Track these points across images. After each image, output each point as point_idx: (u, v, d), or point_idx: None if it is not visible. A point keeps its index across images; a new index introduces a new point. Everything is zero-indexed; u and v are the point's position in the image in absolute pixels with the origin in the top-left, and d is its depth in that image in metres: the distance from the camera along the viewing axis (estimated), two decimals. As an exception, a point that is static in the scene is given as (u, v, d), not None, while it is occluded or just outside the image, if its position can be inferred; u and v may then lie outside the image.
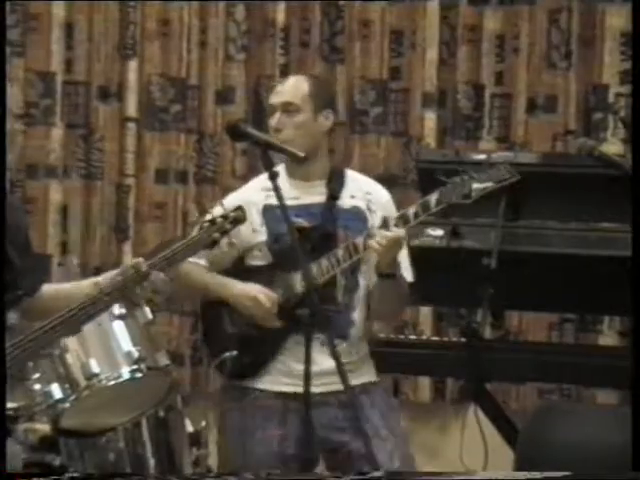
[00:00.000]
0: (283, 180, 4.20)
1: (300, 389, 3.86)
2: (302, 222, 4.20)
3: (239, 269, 4.36)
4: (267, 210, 4.26)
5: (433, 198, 4.17)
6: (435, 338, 5.56)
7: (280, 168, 4.29)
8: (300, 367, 3.86)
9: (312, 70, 5.83)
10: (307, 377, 3.81)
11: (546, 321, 5.70)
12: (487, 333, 5.17)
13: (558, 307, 5.40)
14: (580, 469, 4.02)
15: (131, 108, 6.05)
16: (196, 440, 5.19)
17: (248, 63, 5.98)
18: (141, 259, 3.94)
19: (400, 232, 4.14)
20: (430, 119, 5.87)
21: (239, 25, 5.96)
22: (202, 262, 4.37)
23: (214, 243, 3.97)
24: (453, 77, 5.87)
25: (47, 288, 4.14)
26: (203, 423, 5.21)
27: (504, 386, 5.55)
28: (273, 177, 3.91)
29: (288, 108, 4.31)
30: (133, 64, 6.02)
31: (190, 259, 4.33)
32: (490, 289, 4.81)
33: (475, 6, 5.82)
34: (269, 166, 3.98)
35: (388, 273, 4.23)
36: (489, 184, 4.20)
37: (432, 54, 5.84)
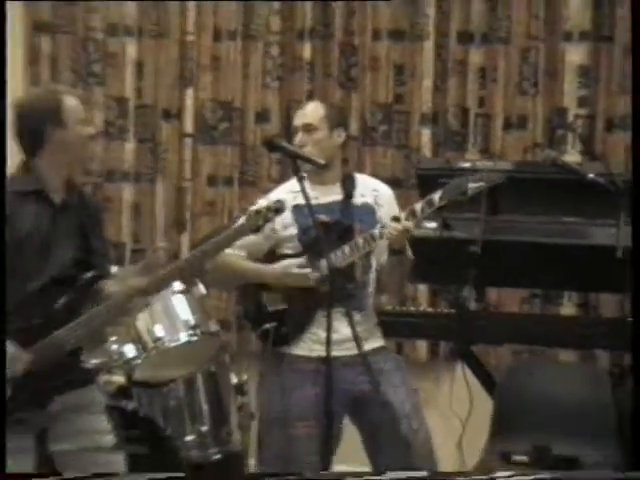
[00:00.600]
0: (306, 184, 4.19)
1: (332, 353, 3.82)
2: (324, 218, 4.17)
3: (271, 258, 4.32)
4: (296, 209, 4.24)
5: (436, 196, 4.16)
6: (430, 309, 5.54)
7: (308, 177, 4.29)
8: (325, 334, 3.84)
9: (332, 96, 5.82)
10: (328, 342, 3.77)
11: (519, 296, 5.67)
12: (472, 305, 5.16)
13: (528, 284, 5.39)
14: (544, 410, 4.00)
15: (188, 126, 6.03)
16: (240, 390, 5.19)
17: (281, 90, 5.94)
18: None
19: (409, 224, 4.14)
20: (426, 134, 5.82)
21: (274, 60, 5.93)
22: (242, 253, 4.36)
23: (258, 229, 3.94)
24: (444, 101, 5.82)
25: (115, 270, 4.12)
26: (245, 377, 5.21)
27: (485, 347, 5.49)
28: (301, 180, 3.91)
29: (308, 128, 4.32)
30: (190, 91, 6.00)
31: (230, 251, 4.33)
32: (474, 270, 4.80)
33: (462, 45, 5.77)
34: (297, 172, 3.98)
35: (399, 250, 4.22)
36: (482, 184, 4.20)
37: (428, 83, 5.80)
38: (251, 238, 4.30)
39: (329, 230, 4.14)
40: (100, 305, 3.91)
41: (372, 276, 4.38)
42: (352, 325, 3.84)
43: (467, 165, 5.07)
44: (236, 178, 6.01)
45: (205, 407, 5.20)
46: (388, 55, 5.84)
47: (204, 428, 5.17)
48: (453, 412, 5.08)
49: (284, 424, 4.30)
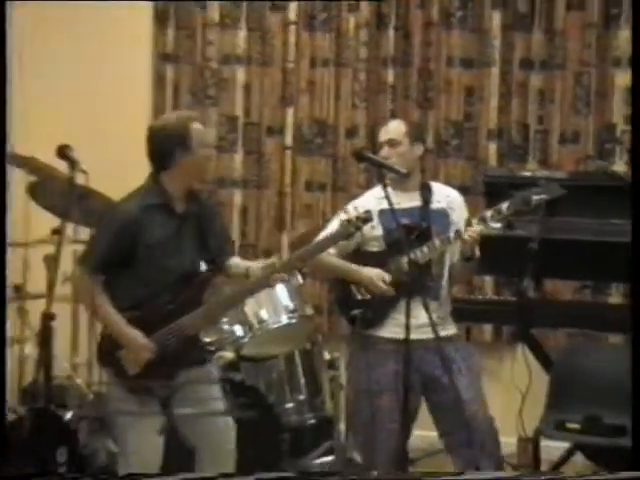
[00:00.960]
0: (390, 191, 4.22)
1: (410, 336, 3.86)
2: (406, 221, 4.17)
3: (358, 254, 4.35)
4: (381, 213, 4.25)
5: (504, 206, 4.16)
6: (495, 297, 5.57)
7: (391, 186, 4.31)
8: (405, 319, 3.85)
9: (411, 114, 5.82)
10: (407, 327, 3.81)
11: (572, 286, 5.64)
12: (531, 294, 5.09)
13: (580, 276, 5.37)
14: (594, 385, 3.99)
15: (288, 140, 6.05)
16: (331, 365, 5.22)
17: (367, 110, 5.95)
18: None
19: (481, 229, 4.16)
20: (492, 148, 5.82)
21: (361, 84, 5.94)
22: (332, 251, 4.37)
23: (350, 236, 4.00)
24: (508, 119, 5.81)
25: (234, 260, 4.17)
26: (336, 354, 5.26)
27: (543, 331, 5.46)
28: (385, 187, 3.96)
29: (392, 143, 4.32)
30: (290, 110, 6.02)
31: None
32: (533, 264, 4.80)
33: (524, 70, 5.77)
34: (382, 180, 4.02)
35: (469, 257, 4.25)
36: (544, 197, 4.19)
37: (494, 103, 5.80)
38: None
39: (409, 232, 4.14)
40: (218, 296, 4.04)
41: (446, 271, 4.38)
42: (429, 313, 3.87)
43: (528, 174, 5.08)
44: (329, 185, 6.02)
45: (302, 379, 5.26)
46: (460, 79, 5.84)
47: (301, 397, 5.22)
48: (514, 386, 5.09)
49: (369, 396, 4.32)
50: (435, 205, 4.36)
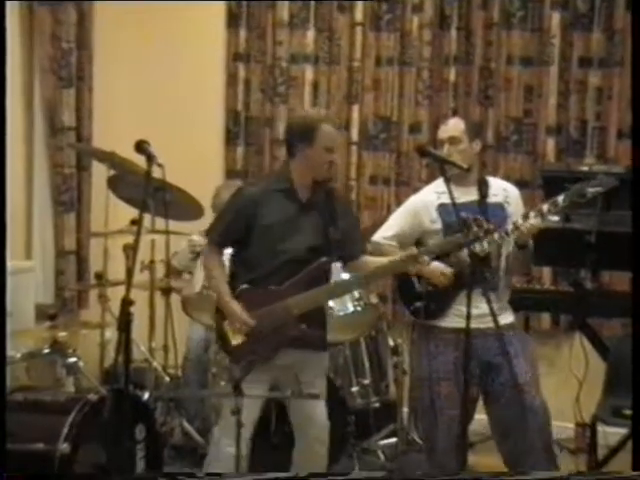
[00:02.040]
0: (452, 188, 4.24)
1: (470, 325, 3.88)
2: (465, 215, 4.16)
3: (419, 247, 4.30)
4: (441, 207, 4.27)
5: (560, 198, 4.14)
6: (552, 287, 5.52)
7: (441, 179, 4.32)
8: (466, 310, 3.85)
9: (472, 111, 5.84)
10: (468, 317, 3.80)
11: (627, 277, 5.57)
12: (587, 285, 5.07)
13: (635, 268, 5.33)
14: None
15: (354, 136, 6.07)
16: (395, 351, 5.27)
17: (430, 107, 5.95)
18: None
19: (538, 222, 4.15)
20: (551, 143, 5.80)
21: (424, 82, 5.94)
22: (393, 243, 4.42)
23: (469, 243, 3.95)
24: (567, 115, 5.79)
25: (363, 259, 4.24)
26: (400, 340, 5.28)
27: (599, 320, 5.44)
28: (448, 181, 3.92)
29: (452, 140, 4.32)
30: (356, 107, 6.04)
31: (385, 241, 4.41)
32: (590, 255, 4.78)
33: (582, 68, 5.74)
34: (444, 174, 4.01)
35: (523, 245, 4.25)
36: (599, 189, 4.17)
37: (552, 100, 5.78)
38: (403, 231, 4.39)
39: (468, 225, 4.14)
40: (329, 285, 4.13)
41: (503, 262, 4.37)
42: (489, 303, 3.86)
43: (585, 169, 5.04)
44: (392, 179, 6.03)
45: (367, 364, 5.30)
46: (519, 77, 5.83)
47: (366, 381, 5.26)
48: (572, 373, 5.07)
49: (430, 383, 4.33)
50: (492, 199, 4.35)
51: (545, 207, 4.17)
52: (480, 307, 3.94)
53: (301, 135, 4.05)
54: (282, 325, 4.04)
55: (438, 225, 4.32)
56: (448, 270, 4.21)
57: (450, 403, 4.25)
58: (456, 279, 4.20)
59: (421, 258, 4.03)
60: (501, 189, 4.43)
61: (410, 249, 4.09)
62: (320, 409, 4.19)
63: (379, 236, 4.46)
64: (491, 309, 3.81)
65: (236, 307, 4.05)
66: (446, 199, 3.96)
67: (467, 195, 4.30)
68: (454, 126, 4.38)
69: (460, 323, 4.06)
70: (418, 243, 4.36)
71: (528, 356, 4.35)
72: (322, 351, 4.24)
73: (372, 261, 4.19)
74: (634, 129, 4.08)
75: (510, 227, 4.20)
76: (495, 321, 3.84)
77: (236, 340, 4.09)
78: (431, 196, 4.34)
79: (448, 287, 4.23)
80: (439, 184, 4.13)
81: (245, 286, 4.09)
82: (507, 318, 4.37)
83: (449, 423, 4.26)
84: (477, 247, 4.17)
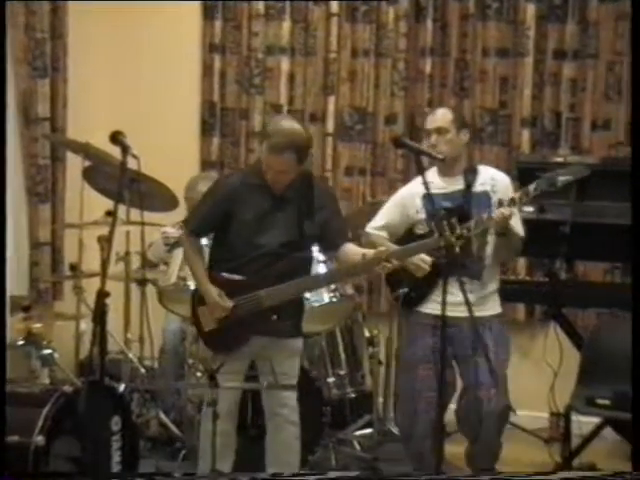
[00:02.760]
0: (435, 176, 4.24)
1: (447, 313, 3.87)
2: (448, 204, 4.21)
3: (410, 236, 4.35)
4: (424, 197, 4.26)
5: (531, 187, 4.15)
6: (527, 278, 5.53)
7: (433, 169, 4.32)
8: (446, 297, 3.85)
9: (447, 103, 5.83)
10: (443, 303, 3.80)
11: (602, 268, 5.63)
12: (562, 275, 5.12)
13: (610, 258, 5.34)
14: (623, 362, 3.97)
15: (330, 127, 6.03)
16: (371, 342, 5.27)
17: (406, 98, 5.93)
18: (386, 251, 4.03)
19: (508, 210, 4.14)
20: (525, 134, 5.80)
21: (400, 73, 5.92)
22: (383, 234, 4.43)
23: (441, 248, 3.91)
24: (541, 107, 5.79)
25: (347, 247, 4.21)
26: (375, 331, 5.29)
27: (573, 310, 5.45)
28: (422, 171, 3.92)
29: (440, 131, 4.32)
30: (332, 99, 6.01)
31: (375, 231, 4.41)
32: (564, 246, 4.79)
33: (557, 60, 5.73)
34: (420, 165, 3.99)
35: (500, 233, 4.24)
36: (569, 177, 4.18)
37: (527, 92, 5.77)
38: (392, 221, 4.39)
39: (451, 214, 4.13)
40: (303, 279, 4.13)
41: (489, 252, 4.38)
42: (463, 292, 3.85)
43: (560, 160, 5.05)
44: (368, 170, 6.01)
45: (343, 355, 5.30)
46: (495, 69, 5.82)
47: (342, 372, 5.27)
48: (546, 363, 5.07)
49: (409, 366, 4.41)
50: (478, 188, 4.36)
51: (517, 196, 4.18)
52: (456, 295, 3.93)
53: (263, 137, 4.12)
54: (254, 315, 4.07)
55: (422, 215, 4.35)
56: (428, 259, 4.20)
57: (427, 386, 4.29)
58: (436, 267, 4.19)
59: (388, 260, 4.00)
60: (489, 178, 4.42)
61: (379, 249, 4.07)
62: (292, 391, 4.20)
63: (370, 227, 4.49)
64: (465, 298, 3.80)
65: (213, 291, 4.11)
66: (431, 189, 3.95)
67: (453, 185, 4.33)
68: (442, 116, 4.38)
69: (437, 310, 4.09)
70: (409, 232, 4.38)
71: (499, 355, 4.34)
72: (294, 337, 4.25)
73: (352, 251, 4.17)
74: (634, 128, 4.08)
75: (485, 215, 4.20)
76: (469, 311, 3.83)
77: (209, 326, 4.14)
78: (418, 187, 4.32)
79: (429, 274, 4.22)
80: (428, 175, 4.12)
81: (222, 274, 4.13)
82: (491, 309, 4.38)
83: (426, 407, 4.31)
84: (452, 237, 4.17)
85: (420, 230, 4.36)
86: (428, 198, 4.03)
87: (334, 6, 5.96)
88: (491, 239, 4.36)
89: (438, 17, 5.87)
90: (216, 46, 6.11)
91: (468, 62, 5.86)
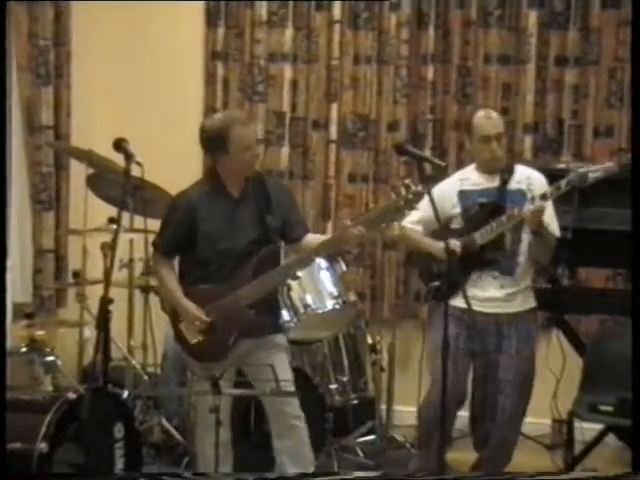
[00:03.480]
0: (473, 172, 4.27)
1: (475, 307, 3.86)
2: (484, 200, 4.26)
3: (445, 231, 4.32)
4: (461, 193, 4.32)
5: (563, 182, 4.19)
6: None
7: (472, 166, 4.31)
8: (476, 292, 3.84)
9: (450, 110, 5.83)
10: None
11: (604, 274, 5.61)
12: (565, 282, 5.10)
13: (613, 265, 5.33)
14: (626, 368, 3.97)
15: (333, 134, 6.03)
16: (373, 348, 5.27)
17: (408, 105, 5.93)
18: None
19: (540, 205, 4.17)
20: (528, 141, 5.79)
21: (402, 80, 5.92)
22: (419, 228, 4.46)
23: (398, 210, 3.85)
24: (543, 113, 5.78)
25: (308, 237, 4.21)
26: (378, 337, 5.28)
27: (576, 317, 5.44)
28: (425, 181, 3.91)
29: (499, 137, 4.39)
30: (334, 106, 6.01)
31: (411, 225, 4.45)
32: (567, 252, 4.78)
33: (559, 66, 5.73)
34: (422, 173, 4.01)
35: (535, 231, 4.26)
36: (600, 174, 4.21)
37: (530, 98, 5.76)
38: (426, 215, 4.35)
39: (486, 210, 4.17)
40: (273, 271, 4.08)
41: (523, 248, 4.39)
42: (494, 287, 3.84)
43: (562, 167, 5.05)
44: (371, 176, 6.01)
45: (345, 362, 5.29)
46: (497, 75, 5.81)
47: (345, 379, 5.26)
48: (549, 369, 5.06)
49: (437, 355, 4.36)
50: (514, 186, 4.40)
51: (549, 191, 4.20)
52: (487, 290, 3.91)
53: (215, 144, 4.06)
54: (234, 317, 4.07)
55: (457, 210, 4.39)
56: (457, 244, 4.21)
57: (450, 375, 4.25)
58: (467, 261, 4.22)
59: (355, 228, 3.95)
60: (525, 177, 4.45)
61: (343, 222, 4.09)
62: (290, 386, 4.17)
63: (406, 220, 4.46)
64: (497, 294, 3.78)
65: (189, 305, 4.10)
66: (467, 186, 4.01)
67: (490, 182, 4.36)
68: (499, 121, 4.43)
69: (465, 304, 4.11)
70: (445, 227, 4.36)
71: (520, 352, 4.36)
72: (275, 333, 4.24)
73: (315, 238, 4.19)
74: (634, 135, 4.09)
75: (516, 210, 4.24)
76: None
77: (194, 338, 4.12)
78: (454, 183, 4.41)
79: (459, 269, 4.24)
80: (464, 172, 4.15)
81: (197, 286, 4.12)
82: (522, 305, 4.40)
83: (439, 395, 4.27)
84: (488, 229, 4.23)
85: (456, 225, 4.39)
86: (466, 194, 4.06)
87: (336, 13, 5.96)
88: (526, 236, 4.37)
89: (440, 24, 5.87)
90: (219, 53, 6.11)
91: (470, 69, 5.86)
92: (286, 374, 4.12)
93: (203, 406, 4.00)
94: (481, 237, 4.29)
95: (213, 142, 4.06)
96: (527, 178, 4.43)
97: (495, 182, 4.34)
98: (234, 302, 4.06)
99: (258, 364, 4.03)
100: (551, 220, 4.32)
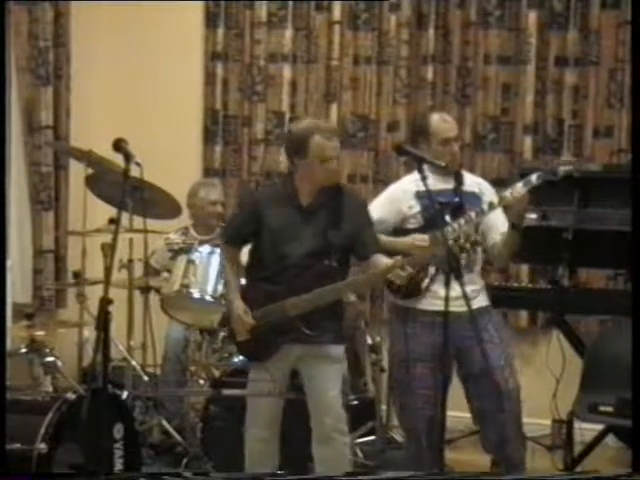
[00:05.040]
0: (430, 176, 4.24)
1: (443, 308, 3.86)
2: (441, 199, 4.20)
3: (400, 230, 4.35)
4: (418, 193, 4.30)
5: (534, 177, 4.17)
6: (530, 285, 5.52)
7: (429, 170, 4.32)
8: (443, 292, 3.83)
9: (450, 110, 5.81)
10: (446, 299, 3.80)
11: (605, 275, 5.61)
12: (565, 282, 5.08)
13: (613, 265, 5.32)
14: (626, 369, 3.97)
15: None
16: (373, 349, 5.25)
17: (408, 105, 5.93)
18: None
19: (524, 191, 4.14)
20: (528, 142, 5.78)
21: (402, 80, 5.92)
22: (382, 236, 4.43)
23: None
24: (543, 114, 5.78)
25: (377, 258, 4.15)
26: (378, 338, 5.27)
27: (576, 317, 5.44)
28: (424, 179, 3.94)
29: (457, 139, 4.41)
30: (334, 106, 6.01)
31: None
32: (567, 253, 4.79)
33: (559, 67, 5.73)
34: (422, 173, 4.00)
35: (514, 223, 4.24)
36: (570, 168, 4.20)
37: (529, 99, 5.77)
38: (382, 217, 4.37)
39: (444, 209, 4.17)
40: (325, 288, 4.08)
41: (480, 248, 4.40)
42: (462, 286, 3.79)
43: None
44: (370, 177, 6.01)
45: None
46: (497, 76, 5.82)
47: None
48: (549, 370, 5.07)
49: (407, 364, 4.36)
50: (467, 188, 4.40)
51: (519, 184, 4.19)
52: (455, 289, 3.92)
53: (294, 148, 4.10)
54: (280, 325, 4.09)
55: (416, 209, 4.36)
56: (426, 237, 4.22)
57: (424, 384, 4.30)
58: (434, 262, 4.22)
59: (404, 266, 4.02)
60: (475, 182, 4.49)
61: (396, 258, 4.06)
62: (335, 398, 4.17)
63: None
64: (464, 291, 3.80)
65: (237, 305, 4.14)
66: (423, 186, 3.96)
67: (444, 184, 4.33)
68: (454, 123, 4.45)
69: (436, 306, 4.12)
70: (396, 229, 4.38)
71: (503, 339, 4.37)
72: (332, 344, 4.20)
73: (378, 262, 4.13)
74: (634, 135, 4.08)
75: (485, 206, 4.23)
76: (468, 305, 3.83)
77: (241, 336, 4.16)
78: (408, 184, 4.39)
79: (424, 269, 4.24)
80: (417, 174, 4.12)
81: (258, 283, 4.19)
82: (482, 301, 4.40)
83: (423, 405, 4.32)
84: (455, 226, 4.23)
85: (412, 225, 4.36)
86: (424, 194, 4.05)
87: (336, 14, 5.97)
88: (481, 237, 4.38)
89: (440, 25, 5.87)
90: (218, 54, 6.11)
91: (470, 69, 5.86)
92: (330, 385, 4.14)
93: (257, 403, 4.16)
94: (452, 234, 4.28)
95: (293, 146, 4.11)
96: (478, 183, 4.48)
97: (449, 184, 4.33)
98: (282, 311, 4.09)
99: (304, 372, 4.14)
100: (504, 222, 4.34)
